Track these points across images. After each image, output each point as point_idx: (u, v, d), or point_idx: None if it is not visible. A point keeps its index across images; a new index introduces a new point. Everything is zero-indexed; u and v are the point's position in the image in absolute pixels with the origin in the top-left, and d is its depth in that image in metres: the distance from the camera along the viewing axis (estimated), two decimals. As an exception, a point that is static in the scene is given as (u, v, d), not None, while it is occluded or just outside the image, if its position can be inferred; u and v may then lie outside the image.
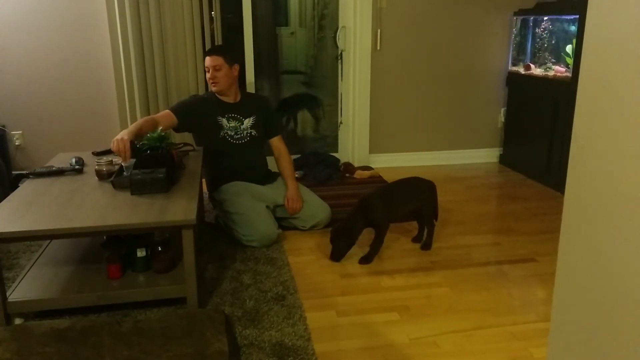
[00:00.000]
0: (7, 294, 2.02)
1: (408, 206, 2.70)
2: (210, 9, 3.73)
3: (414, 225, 3.03)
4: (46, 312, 2.10)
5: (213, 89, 2.93)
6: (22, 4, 3.56)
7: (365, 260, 2.61)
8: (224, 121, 2.91)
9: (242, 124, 2.95)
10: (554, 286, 1.27)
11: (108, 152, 2.86)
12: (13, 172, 3.61)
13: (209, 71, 2.89)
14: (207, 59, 2.89)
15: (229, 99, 2.96)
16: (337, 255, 2.61)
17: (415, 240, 2.84)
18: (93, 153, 2.84)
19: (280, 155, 3.07)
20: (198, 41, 3.72)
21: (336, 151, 4.44)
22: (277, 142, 3.09)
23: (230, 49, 3.03)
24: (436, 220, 2.82)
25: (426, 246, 2.76)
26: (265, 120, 3.04)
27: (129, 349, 1.75)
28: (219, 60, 2.86)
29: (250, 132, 2.97)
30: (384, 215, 2.60)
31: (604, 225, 1.07)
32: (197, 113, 2.88)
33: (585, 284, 1.15)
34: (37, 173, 2.47)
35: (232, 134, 2.92)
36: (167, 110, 2.84)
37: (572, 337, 1.22)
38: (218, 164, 2.94)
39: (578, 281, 1.18)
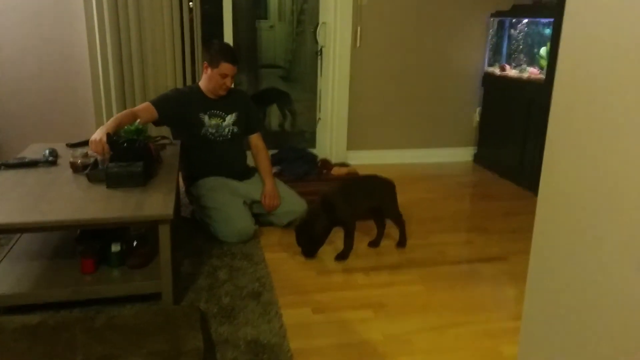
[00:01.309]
0: (-23, 288, 1.98)
1: (366, 203, 2.70)
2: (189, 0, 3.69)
3: (390, 222, 3.06)
4: (17, 307, 2.05)
5: (221, 93, 2.86)
6: (-7, -11, 3.46)
7: (340, 257, 2.63)
8: (206, 118, 2.87)
9: (224, 120, 2.91)
10: (525, 285, 1.30)
11: (83, 144, 2.81)
12: (-18, 162, 3.52)
13: (225, 77, 2.80)
14: (231, 67, 2.79)
15: (214, 95, 2.91)
16: (308, 252, 2.62)
17: (372, 244, 2.79)
18: (67, 145, 2.79)
19: (258, 151, 3.05)
20: (177, 31, 3.66)
21: (314, 147, 4.44)
22: (255, 139, 3.07)
23: None
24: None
25: (401, 244, 2.79)
26: (246, 117, 3.02)
27: (102, 345, 1.73)
28: (236, 68, 2.83)
29: (232, 129, 2.94)
30: (348, 212, 2.60)
31: (577, 226, 1.11)
32: (179, 108, 2.83)
33: (556, 283, 1.19)
34: (9, 164, 2.41)
35: (213, 131, 2.89)
36: (148, 103, 2.78)
37: (542, 335, 1.26)
38: (197, 159, 2.92)
39: (549, 280, 1.21)
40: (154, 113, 2.74)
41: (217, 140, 2.90)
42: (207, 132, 2.87)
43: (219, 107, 2.91)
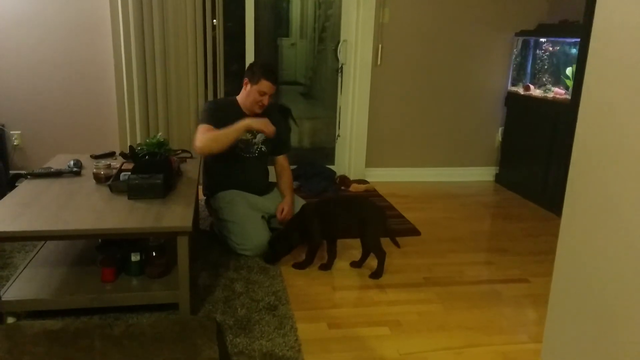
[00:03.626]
0: (1, 292, 2.02)
1: (345, 225, 2.62)
2: (213, 17, 3.77)
3: (409, 240, 3.04)
4: (38, 312, 2.09)
5: (257, 110, 2.85)
6: (26, 5, 3.58)
7: (298, 265, 2.67)
8: None
9: (255, 137, 2.91)
10: (546, 307, 1.28)
11: (106, 155, 2.87)
12: (10, 172, 3.62)
13: (262, 95, 2.80)
14: (270, 85, 2.79)
15: (250, 112, 2.89)
16: (271, 258, 2.67)
17: (354, 264, 2.70)
18: (91, 156, 2.85)
19: (283, 171, 3.05)
20: (200, 47, 3.74)
21: (333, 164, 4.46)
22: (282, 160, 3.07)
23: None
24: (398, 247, 2.70)
25: (375, 275, 2.61)
26: (276, 137, 2.96)
27: (120, 352, 1.74)
28: (275, 88, 2.84)
29: (261, 148, 2.95)
30: (318, 229, 2.61)
31: (601, 248, 1.09)
32: (220, 119, 2.77)
33: (579, 306, 1.16)
34: (35, 174, 2.47)
35: (243, 146, 2.89)
36: (206, 125, 2.73)
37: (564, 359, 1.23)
38: (220, 172, 2.93)
39: (572, 304, 1.19)
40: (212, 127, 2.76)
41: (244, 156, 2.92)
42: (236, 147, 2.88)
43: None
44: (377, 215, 2.64)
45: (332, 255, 2.69)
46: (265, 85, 2.80)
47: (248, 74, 2.86)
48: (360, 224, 2.60)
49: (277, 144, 3.03)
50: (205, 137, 2.65)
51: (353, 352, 1.99)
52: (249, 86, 2.84)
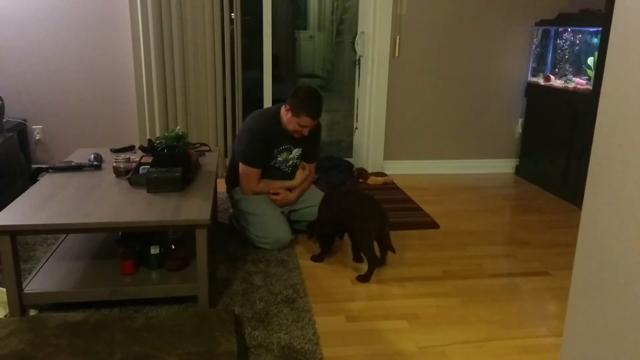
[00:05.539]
0: (23, 285, 2.06)
1: (340, 222, 2.61)
2: (231, 10, 3.77)
3: (428, 233, 3.02)
4: (60, 304, 2.13)
5: (296, 136, 2.81)
6: (45, 1, 3.62)
7: (316, 258, 2.67)
8: (278, 152, 2.87)
9: (291, 153, 2.89)
10: (567, 301, 1.25)
11: (126, 149, 2.90)
12: (32, 166, 3.68)
13: (302, 127, 2.72)
14: (310, 121, 2.70)
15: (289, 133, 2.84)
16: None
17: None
18: (111, 150, 2.88)
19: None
20: (217, 41, 3.75)
21: (350, 156, 4.44)
22: (310, 167, 3.03)
23: None
24: (393, 252, 2.58)
25: (362, 278, 2.48)
26: (309, 149, 2.98)
27: (139, 345, 1.76)
28: (316, 121, 2.78)
29: (295, 162, 2.94)
30: (324, 217, 2.63)
31: (622, 240, 1.06)
32: (265, 153, 2.83)
33: (600, 300, 1.14)
34: (56, 168, 2.51)
35: (281, 160, 2.89)
36: (253, 170, 2.80)
37: (584, 354, 1.21)
38: None
39: (593, 297, 1.16)
40: (260, 171, 2.83)
41: (278, 167, 2.91)
42: (275, 163, 2.89)
43: (290, 141, 2.87)
44: (369, 213, 2.48)
45: (326, 247, 2.70)
46: (305, 120, 2.70)
47: (290, 102, 2.72)
48: (350, 221, 2.51)
49: (308, 153, 2.99)
50: (257, 190, 2.84)
51: (371, 345, 1.99)
52: (289, 114, 2.72)
